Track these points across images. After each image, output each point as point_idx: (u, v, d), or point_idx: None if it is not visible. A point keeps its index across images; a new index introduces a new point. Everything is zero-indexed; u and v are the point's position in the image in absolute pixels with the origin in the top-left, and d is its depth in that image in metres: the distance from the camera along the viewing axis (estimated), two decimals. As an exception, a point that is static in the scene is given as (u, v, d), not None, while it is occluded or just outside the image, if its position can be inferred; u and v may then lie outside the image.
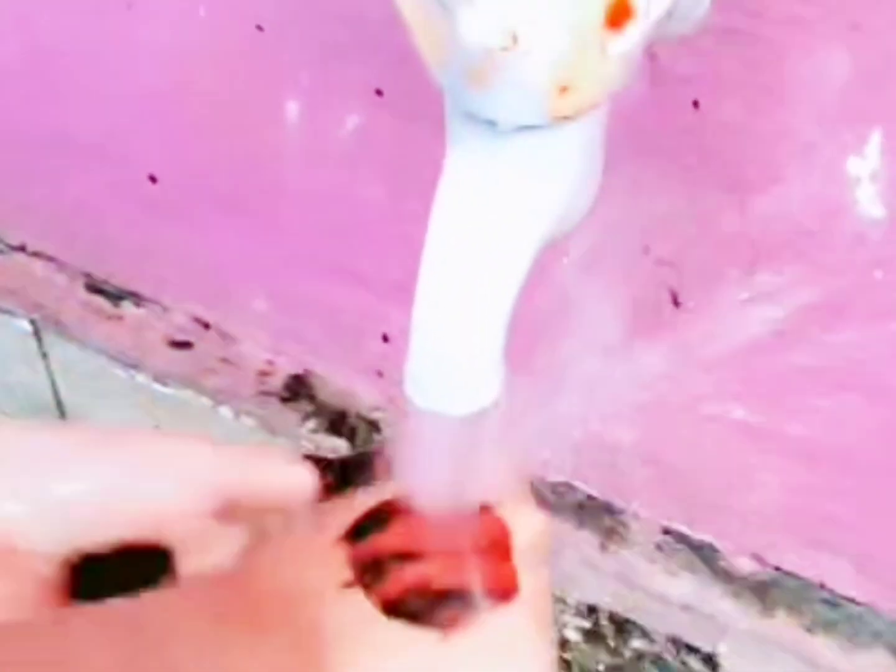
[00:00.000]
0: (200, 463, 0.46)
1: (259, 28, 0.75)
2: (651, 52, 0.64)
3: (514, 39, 0.36)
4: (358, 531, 0.47)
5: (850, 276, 0.68)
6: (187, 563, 0.46)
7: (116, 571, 0.44)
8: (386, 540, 0.47)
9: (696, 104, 0.65)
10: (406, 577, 0.46)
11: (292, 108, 0.78)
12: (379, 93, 0.73)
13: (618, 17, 0.37)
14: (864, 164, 0.64)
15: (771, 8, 0.60)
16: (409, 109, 0.66)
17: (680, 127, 0.67)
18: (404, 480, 0.48)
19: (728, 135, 0.66)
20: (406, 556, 0.47)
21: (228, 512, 0.46)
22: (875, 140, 0.62)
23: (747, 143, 0.66)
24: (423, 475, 0.47)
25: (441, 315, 0.43)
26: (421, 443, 0.46)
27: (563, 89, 0.38)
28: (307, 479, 0.49)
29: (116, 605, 0.41)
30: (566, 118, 0.40)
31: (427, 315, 0.43)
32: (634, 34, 0.37)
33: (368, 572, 0.46)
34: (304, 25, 0.74)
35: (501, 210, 0.42)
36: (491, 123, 0.40)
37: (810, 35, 0.60)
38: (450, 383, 0.44)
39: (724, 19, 0.60)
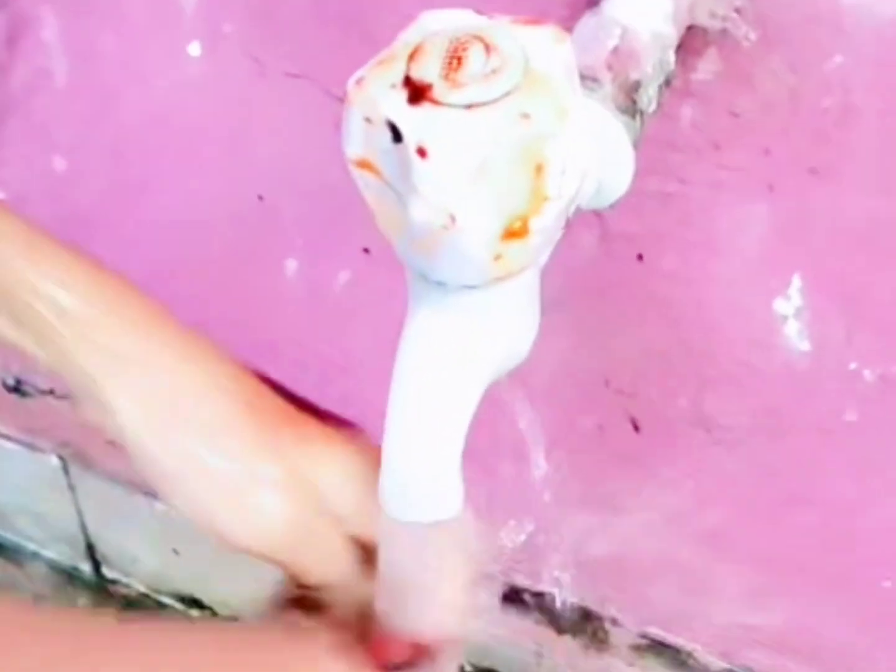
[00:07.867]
0: None
1: (260, 198, 0.81)
2: (599, 216, 0.69)
3: (453, 220, 0.41)
4: None
5: (785, 400, 0.72)
6: None
7: None
8: None
9: (640, 257, 0.70)
10: None
11: (291, 266, 0.83)
12: (366, 251, 0.79)
13: (537, 202, 0.42)
14: (788, 304, 0.68)
15: (698, 174, 0.65)
16: (392, 265, 0.72)
17: (628, 277, 0.71)
18: (381, 592, 0.52)
19: (669, 282, 0.70)
20: None
21: None
22: (796, 283, 0.67)
23: (686, 288, 0.70)
24: (396, 584, 0.51)
25: (405, 442, 0.48)
26: (392, 551, 0.51)
27: (497, 257, 0.43)
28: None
29: None
30: (502, 279, 0.45)
31: (394, 442, 0.48)
32: (551, 213, 0.43)
33: None
34: (299, 195, 0.79)
35: (452, 354, 0.47)
36: (441, 283, 0.45)
37: (733, 195, 0.65)
38: (415, 496, 0.49)
39: (660, 185, 0.66)
